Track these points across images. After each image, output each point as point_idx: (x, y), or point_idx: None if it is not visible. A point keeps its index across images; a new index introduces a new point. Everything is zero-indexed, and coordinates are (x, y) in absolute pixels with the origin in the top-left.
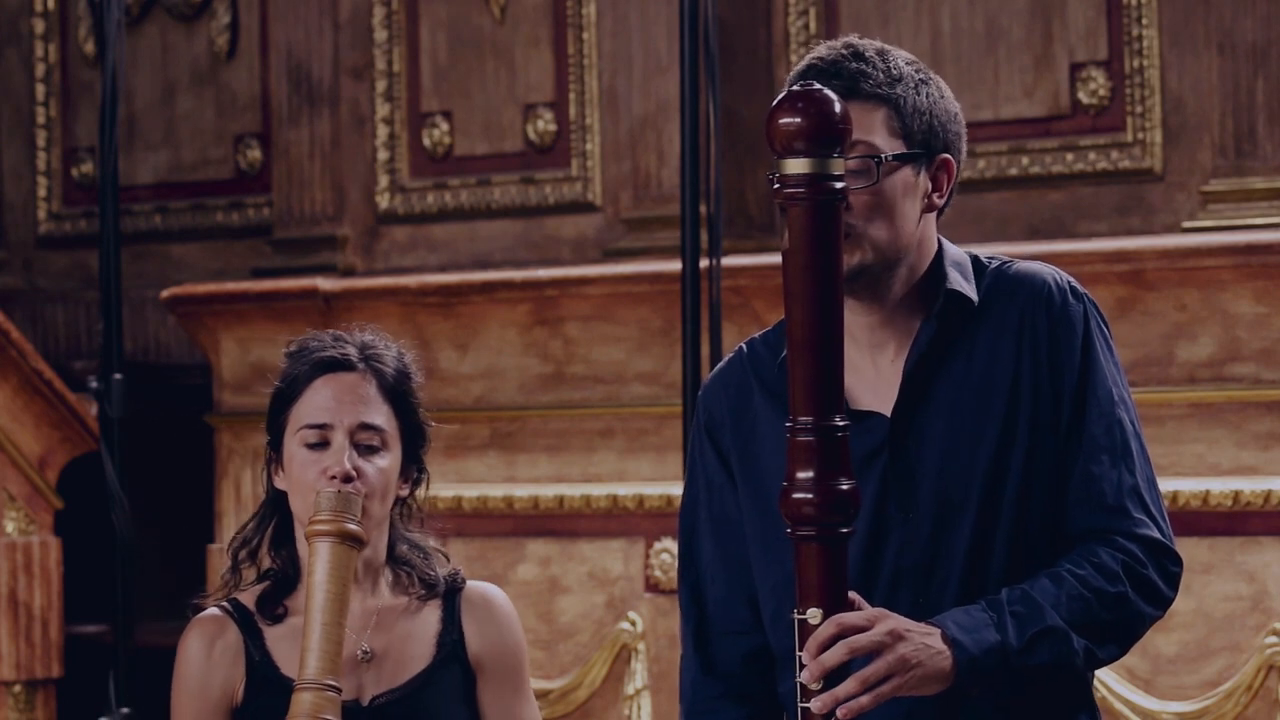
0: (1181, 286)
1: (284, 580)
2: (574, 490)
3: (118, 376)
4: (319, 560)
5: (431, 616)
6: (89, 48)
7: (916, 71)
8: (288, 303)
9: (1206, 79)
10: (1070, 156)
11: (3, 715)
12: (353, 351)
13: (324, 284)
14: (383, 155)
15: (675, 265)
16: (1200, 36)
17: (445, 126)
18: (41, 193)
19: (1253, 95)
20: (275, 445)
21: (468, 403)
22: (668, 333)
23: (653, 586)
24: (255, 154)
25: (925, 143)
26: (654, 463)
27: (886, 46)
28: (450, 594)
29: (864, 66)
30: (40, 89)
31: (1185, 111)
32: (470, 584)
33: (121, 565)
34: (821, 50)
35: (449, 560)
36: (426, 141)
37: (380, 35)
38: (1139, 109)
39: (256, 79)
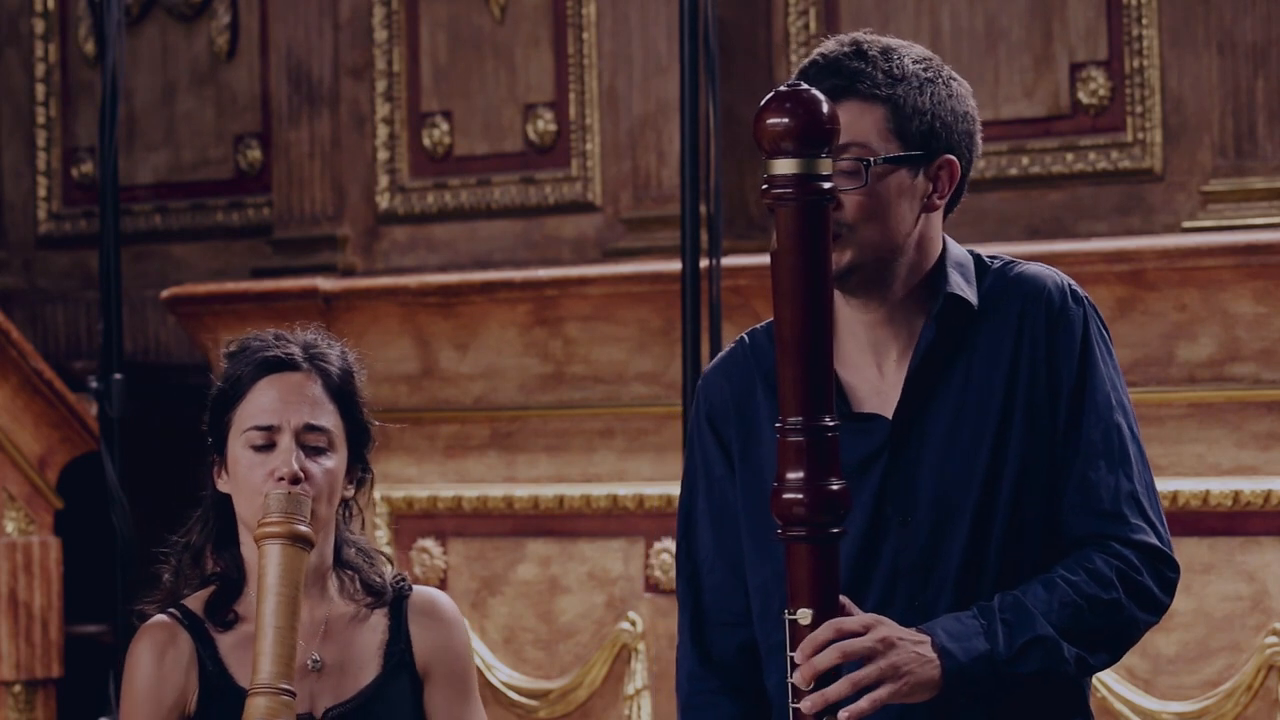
0: (1181, 286)
1: (230, 585)
2: (574, 490)
3: (118, 376)
4: (270, 563)
5: (379, 625)
6: (89, 48)
7: (924, 70)
8: (288, 303)
9: (1206, 79)
10: (1070, 156)
11: (3, 715)
12: (297, 351)
13: (324, 284)
14: (383, 155)
15: (675, 265)
16: (1200, 36)
17: (445, 126)
18: (41, 193)
19: (1253, 95)
20: (219, 448)
21: (468, 403)
22: (668, 333)
23: (653, 586)
24: (255, 154)
25: (924, 144)
26: (654, 463)
27: (895, 44)
28: (397, 601)
29: (864, 66)
30: (40, 89)
31: (1185, 111)
32: (416, 590)
33: (121, 565)
34: (828, 45)
35: (392, 563)
36: (426, 141)
37: (380, 35)
38: (1139, 109)
39: (256, 79)
